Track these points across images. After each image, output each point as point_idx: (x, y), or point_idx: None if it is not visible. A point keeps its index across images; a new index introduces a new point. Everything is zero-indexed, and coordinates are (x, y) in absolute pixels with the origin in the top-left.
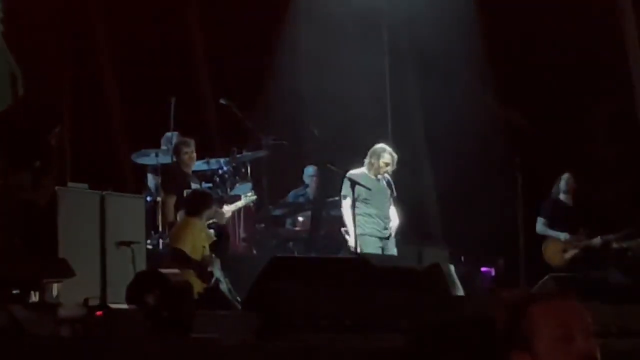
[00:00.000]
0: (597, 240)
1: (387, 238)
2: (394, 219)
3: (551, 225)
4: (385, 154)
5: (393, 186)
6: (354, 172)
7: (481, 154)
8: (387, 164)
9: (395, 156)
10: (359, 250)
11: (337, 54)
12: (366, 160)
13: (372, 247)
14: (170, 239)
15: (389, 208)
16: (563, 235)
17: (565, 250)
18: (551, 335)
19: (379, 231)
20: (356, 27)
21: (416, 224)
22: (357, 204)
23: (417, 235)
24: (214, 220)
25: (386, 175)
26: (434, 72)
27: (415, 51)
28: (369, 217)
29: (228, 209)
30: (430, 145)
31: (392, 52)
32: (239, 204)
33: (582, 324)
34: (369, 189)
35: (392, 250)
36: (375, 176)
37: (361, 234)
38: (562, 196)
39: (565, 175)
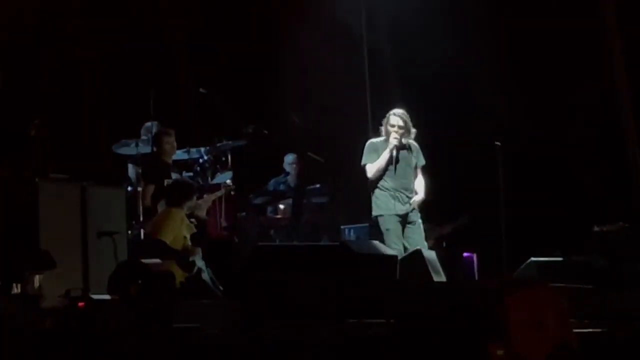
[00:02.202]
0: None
1: (408, 214)
2: (420, 191)
3: None
4: (393, 116)
5: (420, 154)
6: (373, 140)
7: (463, 141)
8: (393, 126)
9: (407, 118)
10: (381, 227)
11: (318, 43)
12: (382, 129)
13: (390, 223)
14: (151, 229)
15: (412, 179)
16: None
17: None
18: (524, 322)
19: (398, 206)
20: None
21: None
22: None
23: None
24: (194, 211)
25: (411, 141)
26: (413, 56)
27: (394, 39)
28: (386, 191)
29: (208, 198)
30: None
31: (371, 41)
32: (219, 193)
33: (557, 310)
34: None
35: (415, 230)
36: None
37: (379, 215)
38: None
39: None
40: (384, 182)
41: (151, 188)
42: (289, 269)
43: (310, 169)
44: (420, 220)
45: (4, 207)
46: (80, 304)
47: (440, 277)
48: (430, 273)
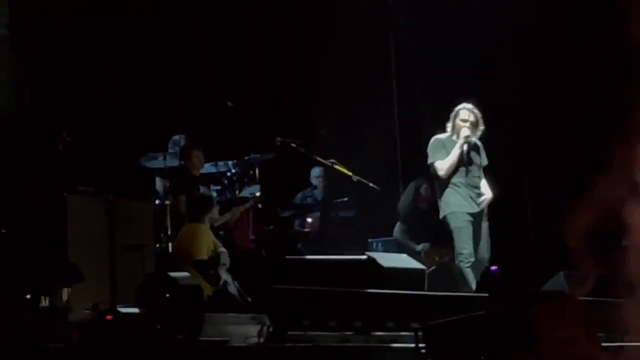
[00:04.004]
0: None
1: (479, 213)
2: (487, 191)
3: None
4: (464, 111)
5: (484, 153)
6: (439, 136)
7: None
8: (465, 121)
9: (478, 113)
10: (451, 225)
11: (342, 51)
12: (449, 125)
13: (462, 222)
14: (177, 244)
15: (480, 177)
16: None
17: None
18: (551, 335)
19: (469, 204)
20: (362, 24)
21: (426, 223)
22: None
23: (427, 234)
24: (214, 224)
25: (474, 139)
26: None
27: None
28: (458, 189)
29: (236, 211)
30: None
31: (399, 49)
32: (247, 205)
33: (584, 324)
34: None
35: (484, 228)
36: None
37: (449, 213)
38: None
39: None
40: (455, 180)
41: (183, 199)
42: (316, 282)
43: (337, 182)
44: (486, 224)
45: (32, 220)
46: (108, 317)
47: (468, 289)
48: (458, 286)
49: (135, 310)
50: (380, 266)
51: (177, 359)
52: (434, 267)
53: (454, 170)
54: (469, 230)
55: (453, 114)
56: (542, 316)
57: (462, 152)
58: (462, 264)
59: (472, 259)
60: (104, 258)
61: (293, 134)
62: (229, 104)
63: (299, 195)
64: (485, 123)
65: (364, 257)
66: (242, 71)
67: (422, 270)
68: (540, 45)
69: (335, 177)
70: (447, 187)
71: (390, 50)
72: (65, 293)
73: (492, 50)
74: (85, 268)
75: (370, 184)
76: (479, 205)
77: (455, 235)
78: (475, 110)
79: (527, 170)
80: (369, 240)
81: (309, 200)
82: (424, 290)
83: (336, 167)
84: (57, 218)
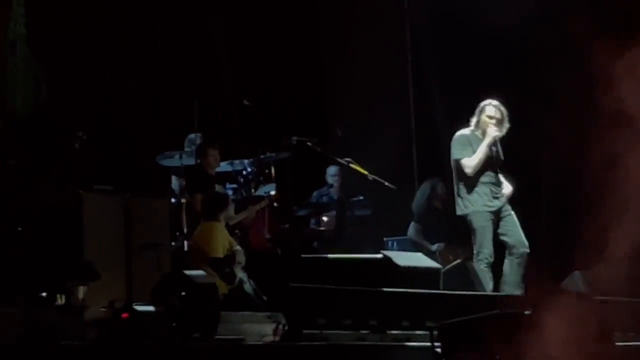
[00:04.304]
0: None
1: (499, 210)
2: (506, 186)
3: None
4: (490, 107)
5: (501, 150)
6: (463, 132)
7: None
8: (491, 117)
9: (504, 110)
10: (474, 225)
11: (358, 49)
12: (473, 120)
13: (485, 221)
14: (193, 242)
15: (500, 174)
16: None
17: None
18: (567, 335)
19: (491, 202)
20: (378, 22)
21: (441, 222)
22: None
23: (442, 234)
24: (229, 222)
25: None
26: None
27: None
28: (480, 185)
29: (252, 209)
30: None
31: (415, 46)
32: (262, 204)
33: (599, 323)
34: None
35: (511, 222)
36: (484, 136)
37: (473, 212)
38: None
39: None
40: (479, 177)
41: (199, 197)
42: (332, 281)
43: (353, 181)
44: (512, 212)
45: (48, 218)
46: (124, 315)
47: (485, 289)
48: (473, 285)
49: (151, 308)
50: (395, 265)
51: (193, 357)
52: (449, 266)
53: (483, 168)
54: (491, 229)
55: (478, 109)
56: (557, 315)
57: (490, 150)
58: (481, 264)
59: (491, 259)
60: (119, 256)
61: (309, 133)
62: (245, 102)
63: (315, 194)
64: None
65: (379, 255)
66: (258, 70)
67: (437, 269)
68: (557, 39)
69: (351, 175)
70: (470, 184)
71: (407, 48)
72: (81, 291)
73: (510, 46)
74: (101, 266)
75: (386, 183)
76: (500, 201)
77: (478, 235)
78: (502, 108)
79: (543, 167)
80: (385, 239)
81: (324, 199)
82: (439, 289)
83: (352, 165)
84: (73, 216)
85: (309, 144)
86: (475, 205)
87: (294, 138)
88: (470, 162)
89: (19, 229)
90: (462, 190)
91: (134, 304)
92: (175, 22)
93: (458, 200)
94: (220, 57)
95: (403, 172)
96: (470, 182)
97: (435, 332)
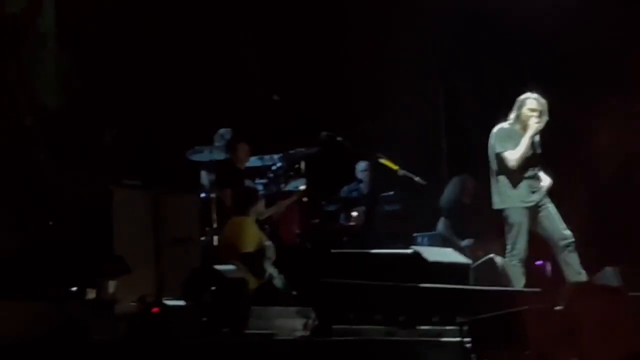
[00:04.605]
0: None
1: (537, 204)
2: (544, 179)
3: None
4: (530, 100)
5: (540, 142)
6: (504, 126)
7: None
8: (532, 110)
9: (544, 102)
10: (510, 220)
11: (387, 44)
12: (512, 115)
13: (522, 217)
14: (223, 237)
15: (538, 168)
16: None
17: None
18: (595, 330)
19: (529, 198)
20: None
21: (471, 218)
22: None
23: (472, 229)
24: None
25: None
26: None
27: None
28: (519, 179)
29: (282, 204)
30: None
31: (445, 41)
32: (292, 198)
33: (632, 319)
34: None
35: (552, 216)
36: (524, 129)
37: (511, 207)
38: None
39: None
40: (519, 172)
41: (229, 192)
42: (361, 276)
43: (383, 176)
44: (550, 204)
45: (79, 213)
46: (155, 309)
47: (515, 285)
48: (503, 280)
49: (182, 303)
50: (425, 260)
51: (223, 351)
52: (478, 262)
53: (525, 161)
54: (527, 226)
55: (518, 103)
56: (590, 310)
57: (533, 143)
58: (513, 259)
59: (524, 255)
60: (149, 251)
61: (339, 128)
62: (275, 97)
63: (345, 189)
64: None
65: (409, 251)
66: (288, 65)
67: (467, 265)
68: (586, 32)
69: (380, 171)
70: (510, 178)
71: (436, 43)
72: (111, 286)
73: (539, 40)
74: (131, 261)
75: (416, 178)
76: (538, 195)
77: (513, 230)
78: (542, 100)
79: (579, 162)
80: (415, 234)
81: (354, 194)
82: (469, 284)
83: (382, 160)
84: (103, 211)
85: (338, 139)
86: (513, 200)
87: (324, 133)
88: (513, 155)
89: (50, 223)
90: (501, 184)
91: (164, 298)
92: (205, 17)
93: (494, 195)
94: (250, 52)
95: (432, 167)
96: (511, 176)
97: (465, 328)
